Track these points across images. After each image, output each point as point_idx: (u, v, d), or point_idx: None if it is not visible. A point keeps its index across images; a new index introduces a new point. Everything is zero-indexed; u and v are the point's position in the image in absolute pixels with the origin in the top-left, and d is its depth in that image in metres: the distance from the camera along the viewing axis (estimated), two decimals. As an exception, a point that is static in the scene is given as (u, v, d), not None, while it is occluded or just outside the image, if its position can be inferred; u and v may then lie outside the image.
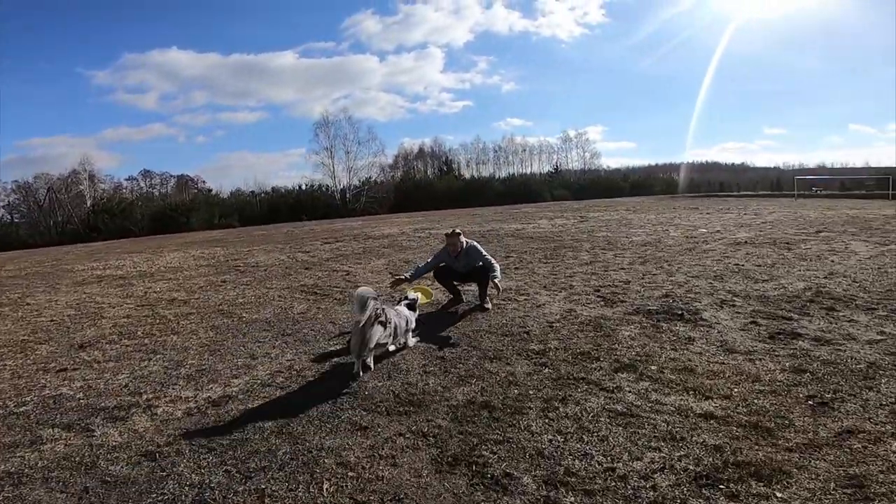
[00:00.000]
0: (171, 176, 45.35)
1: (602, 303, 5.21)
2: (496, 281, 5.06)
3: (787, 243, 8.91)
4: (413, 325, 4.23)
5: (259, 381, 3.66)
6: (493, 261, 5.24)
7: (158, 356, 4.50)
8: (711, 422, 2.72)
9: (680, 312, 4.67)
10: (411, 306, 4.33)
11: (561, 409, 2.90)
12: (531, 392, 3.12)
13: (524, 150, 52.81)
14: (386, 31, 70.70)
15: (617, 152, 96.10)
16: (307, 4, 73.48)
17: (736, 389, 3.07)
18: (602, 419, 2.78)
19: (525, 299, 5.52)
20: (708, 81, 67.29)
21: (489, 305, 5.21)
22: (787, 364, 3.41)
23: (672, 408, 2.88)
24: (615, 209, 22.47)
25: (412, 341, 4.21)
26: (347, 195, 38.58)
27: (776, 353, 3.61)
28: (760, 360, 3.51)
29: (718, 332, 4.14)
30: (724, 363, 3.47)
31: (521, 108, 79.36)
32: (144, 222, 35.75)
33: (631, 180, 50.43)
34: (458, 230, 5.30)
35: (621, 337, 4.08)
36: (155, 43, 69.06)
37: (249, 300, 6.59)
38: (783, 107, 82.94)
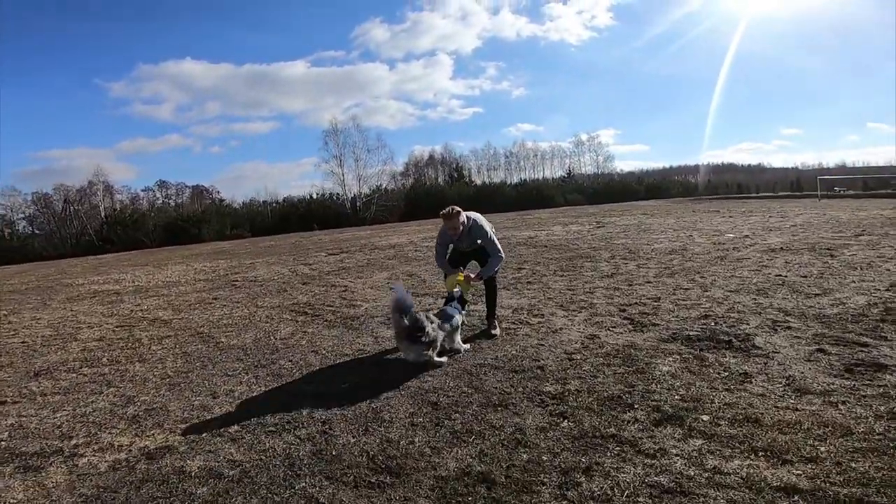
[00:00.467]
0: (187, 186, 45.66)
1: (630, 326, 4.44)
2: (485, 272, 4.39)
3: (828, 249, 8.01)
4: (459, 325, 3.97)
5: (210, 429, 3.00)
6: (497, 242, 4.44)
7: (112, 389, 3.91)
8: (796, 498, 1.98)
9: (727, 339, 3.89)
10: (460, 303, 4.11)
11: (585, 486, 2.16)
12: (545, 457, 2.39)
13: (535, 155, 52.06)
14: (394, 38, 70.98)
15: (630, 155, 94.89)
16: (317, 13, 74.07)
17: (823, 448, 2.31)
18: (642, 500, 2.05)
19: (539, 322, 4.77)
20: (722, 81, 65.78)
21: (496, 331, 4.47)
22: (881, 408, 2.63)
23: (738, 478, 2.13)
24: (632, 213, 21.56)
25: (462, 346, 4.03)
26: (358, 204, 38.17)
27: (862, 393, 2.83)
28: (844, 402, 2.73)
29: (779, 364, 3.36)
30: (797, 409, 2.70)
31: (531, 113, 78.75)
32: (157, 233, 35.82)
33: (646, 183, 49.27)
34: (456, 208, 4.35)
35: (658, 374, 3.32)
36: (169, 53, 70.12)
37: (234, 321, 5.97)
38: (798, 106, 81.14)
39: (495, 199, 38.77)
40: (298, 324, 5.51)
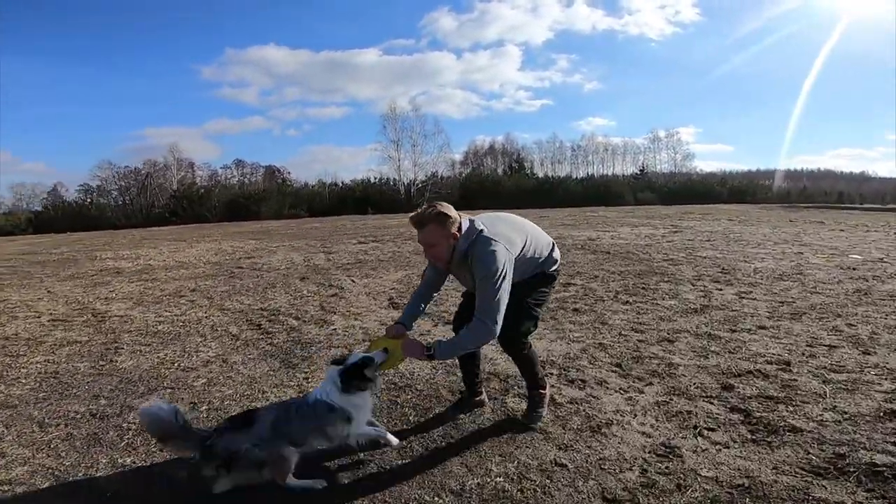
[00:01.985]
0: (261, 166, 46.84)
1: (744, 427, 2.42)
2: (443, 349, 2.23)
3: None
4: (353, 412, 2.12)
5: None
6: (497, 292, 2.14)
7: None
8: None
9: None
10: (356, 372, 2.15)
11: None
12: None
13: (606, 150, 48.05)
14: (462, 28, 68.96)
15: (712, 155, 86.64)
16: (389, 1, 73.73)
17: None
18: None
19: (573, 400, 2.78)
20: (810, 83, 57.33)
21: (541, 411, 2.56)
22: None
23: None
24: (715, 218, 18.45)
25: (363, 432, 2.17)
26: (412, 190, 36.97)
27: None
28: None
29: None
30: None
31: (604, 107, 74.38)
32: (219, 209, 36.71)
33: (729, 186, 43.96)
34: (439, 207, 2.26)
35: None
36: (254, 39, 72.71)
37: (173, 328, 4.58)
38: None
39: (557, 192, 35.93)
40: (237, 343, 3.97)
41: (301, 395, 2.28)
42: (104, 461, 2.20)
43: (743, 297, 5.05)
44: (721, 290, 5.43)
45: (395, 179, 39.06)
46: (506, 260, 2.19)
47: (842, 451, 2.19)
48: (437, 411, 2.67)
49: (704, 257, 7.89)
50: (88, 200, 39.28)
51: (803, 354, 3.40)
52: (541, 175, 42.68)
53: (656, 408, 2.65)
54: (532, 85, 74.55)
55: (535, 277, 2.44)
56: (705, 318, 4.34)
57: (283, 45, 71.43)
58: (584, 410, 2.62)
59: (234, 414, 2.34)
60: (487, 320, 2.13)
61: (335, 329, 4.28)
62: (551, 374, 3.12)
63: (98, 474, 2.10)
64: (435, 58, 64.44)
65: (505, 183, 36.88)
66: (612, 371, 3.16)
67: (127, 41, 57.84)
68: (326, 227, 19.70)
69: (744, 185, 45.72)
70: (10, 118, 53.33)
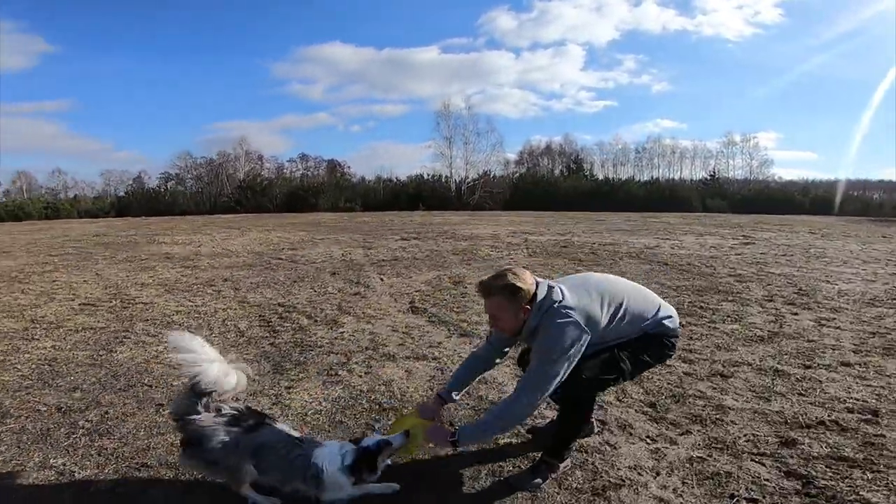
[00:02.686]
0: (323, 160, 48.52)
1: (797, 499, 1.88)
2: (467, 433, 1.94)
3: None
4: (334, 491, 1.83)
5: None
6: (553, 367, 1.85)
7: None
8: None
9: None
10: (367, 460, 1.85)
11: None
12: None
13: (673, 153, 45.17)
14: (521, 27, 67.38)
15: (793, 163, 78.93)
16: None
17: None
18: None
19: (581, 448, 2.24)
20: (886, 85, 49.57)
21: (542, 479, 1.99)
22: None
23: None
24: (794, 230, 16.64)
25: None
26: (463, 188, 36.64)
27: None
28: None
29: None
30: None
31: (674, 109, 70.34)
32: (279, 200, 38.33)
33: (812, 195, 39.92)
34: (505, 280, 1.94)
35: None
36: (319, 37, 75.34)
37: (189, 319, 4.54)
38: None
39: (618, 195, 34.16)
40: (240, 340, 3.79)
41: (314, 439, 1.98)
42: (37, 459, 2.06)
43: (823, 325, 4.25)
44: (796, 314, 4.61)
45: (446, 177, 38.93)
46: (575, 339, 1.87)
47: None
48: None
49: (778, 274, 6.93)
50: (164, 188, 42.23)
51: (894, 406, 2.70)
52: (601, 177, 40.91)
53: (687, 466, 2.10)
54: (595, 85, 71.76)
55: (640, 340, 2.13)
56: (773, 348, 3.62)
57: (348, 42, 73.45)
58: (591, 463, 2.12)
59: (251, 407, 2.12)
60: (526, 395, 1.87)
61: (343, 332, 3.99)
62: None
63: (21, 474, 1.96)
64: (492, 56, 63.50)
65: (561, 184, 35.64)
66: (643, 412, 2.60)
67: (207, 37, 62.08)
68: (374, 221, 19.82)
69: (829, 196, 41.50)
70: (110, 112, 58.44)
